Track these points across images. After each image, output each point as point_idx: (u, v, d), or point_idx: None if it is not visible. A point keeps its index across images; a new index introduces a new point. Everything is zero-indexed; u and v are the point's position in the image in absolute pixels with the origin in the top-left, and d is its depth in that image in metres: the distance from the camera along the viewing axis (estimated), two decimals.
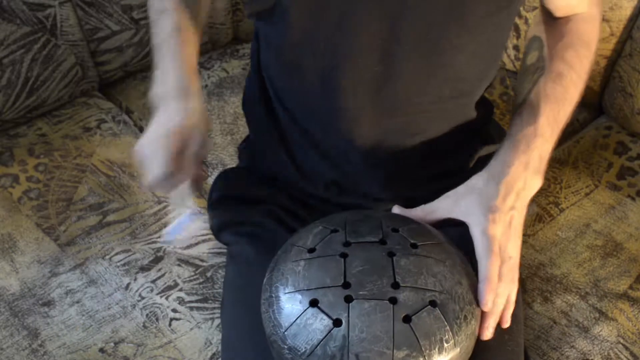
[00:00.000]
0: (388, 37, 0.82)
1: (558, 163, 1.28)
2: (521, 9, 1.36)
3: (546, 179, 1.23)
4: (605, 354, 0.98)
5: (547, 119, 0.87)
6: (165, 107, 0.84)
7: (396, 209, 0.87)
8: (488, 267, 0.77)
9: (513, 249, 0.80)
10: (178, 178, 0.83)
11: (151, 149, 0.82)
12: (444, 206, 0.84)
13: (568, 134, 1.39)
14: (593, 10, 0.97)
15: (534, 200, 1.05)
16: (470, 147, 0.99)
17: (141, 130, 1.38)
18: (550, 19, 0.99)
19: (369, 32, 0.82)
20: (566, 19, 0.97)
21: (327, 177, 0.97)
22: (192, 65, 0.87)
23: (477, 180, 0.84)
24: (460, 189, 0.84)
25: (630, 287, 1.06)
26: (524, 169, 0.83)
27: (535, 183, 0.84)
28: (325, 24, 0.82)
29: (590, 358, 0.98)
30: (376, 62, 0.84)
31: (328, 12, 0.81)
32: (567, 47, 0.93)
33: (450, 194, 0.85)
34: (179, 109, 0.83)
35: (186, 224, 0.87)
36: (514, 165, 0.83)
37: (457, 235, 0.88)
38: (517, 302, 0.90)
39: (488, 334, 0.77)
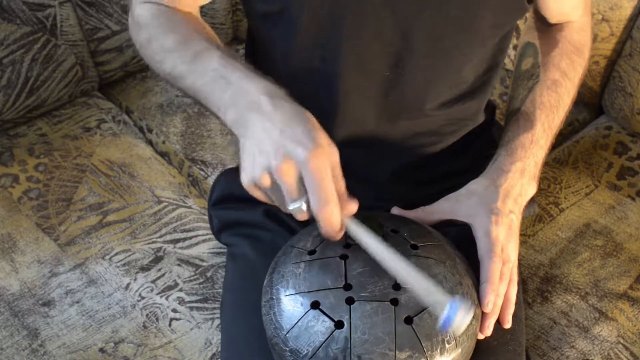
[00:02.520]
0: (400, 46, 0.82)
1: (558, 163, 1.28)
2: None
3: (546, 179, 1.24)
4: (605, 354, 0.98)
5: (543, 126, 0.90)
6: (279, 113, 0.67)
7: (395, 210, 0.87)
8: (490, 268, 0.77)
9: (512, 251, 0.81)
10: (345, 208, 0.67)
11: (306, 160, 0.63)
12: (445, 208, 0.85)
13: (568, 133, 1.39)
14: (585, 18, 0.99)
15: (534, 200, 1.05)
16: (473, 148, 1.00)
17: (141, 130, 1.38)
18: (543, 25, 1.00)
19: (381, 41, 0.82)
20: (559, 26, 0.98)
21: None
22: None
23: (476, 185, 0.85)
24: (461, 191, 0.85)
25: (630, 287, 1.06)
26: (520, 176, 0.85)
27: (530, 189, 0.86)
28: (337, 32, 0.81)
29: (590, 358, 0.98)
30: (385, 69, 0.84)
31: (340, 21, 0.80)
32: (561, 55, 0.95)
33: (451, 196, 0.86)
34: (300, 110, 0.68)
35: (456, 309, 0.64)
36: (511, 172, 0.85)
37: (456, 235, 0.88)
38: (517, 302, 0.90)
39: (487, 332, 0.78)
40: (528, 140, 0.88)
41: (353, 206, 0.68)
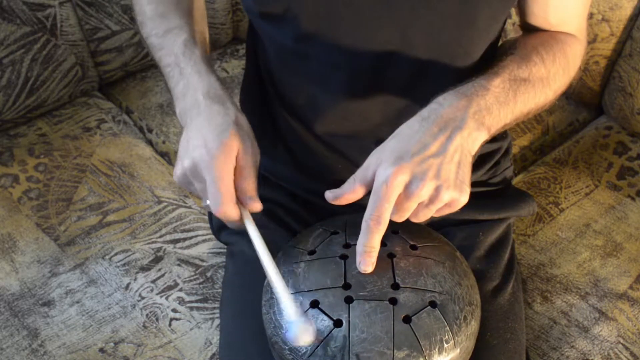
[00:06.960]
0: (399, 43, 0.82)
1: (558, 163, 1.28)
2: None
3: (546, 179, 1.24)
4: (605, 354, 0.98)
5: (503, 81, 0.78)
6: (205, 114, 0.75)
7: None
8: (367, 211, 0.69)
9: (446, 195, 0.69)
10: (244, 194, 0.73)
11: (209, 163, 0.71)
12: (372, 160, 0.73)
13: (568, 133, 1.39)
14: (580, 36, 0.92)
15: (534, 200, 1.05)
16: None
17: (141, 130, 1.38)
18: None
19: (381, 38, 0.81)
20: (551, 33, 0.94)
21: (328, 171, 0.97)
22: (217, 76, 0.82)
23: (405, 125, 0.74)
24: (389, 137, 0.75)
25: (630, 287, 1.06)
26: (462, 109, 0.73)
27: (476, 134, 0.73)
28: (336, 29, 0.81)
29: (590, 358, 0.98)
30: (386, 65, 0.84)
31: (339, 19, 0.80)
32: (544, 44, 0.86)
33: (380, 145, 0.75)
34: (225, 112, 0.75)
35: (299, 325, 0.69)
36: (449, 105, 0.73)
37: (457, 235, 0.88)
38: (518, 301, 0.90)
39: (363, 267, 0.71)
40: (480, 85, 0.76)
41: (256, 206, 0.74)
